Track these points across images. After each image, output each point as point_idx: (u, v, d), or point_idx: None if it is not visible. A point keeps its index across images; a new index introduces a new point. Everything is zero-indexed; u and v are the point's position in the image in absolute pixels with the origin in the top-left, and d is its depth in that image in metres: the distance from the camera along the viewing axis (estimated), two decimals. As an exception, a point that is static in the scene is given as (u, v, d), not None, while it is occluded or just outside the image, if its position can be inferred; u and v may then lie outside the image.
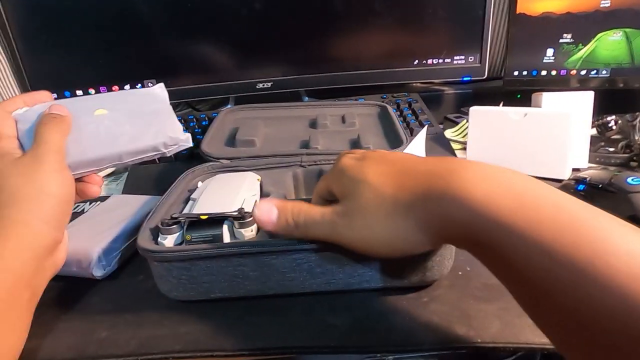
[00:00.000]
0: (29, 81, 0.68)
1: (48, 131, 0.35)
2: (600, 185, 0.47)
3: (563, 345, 0.23)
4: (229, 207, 0.37)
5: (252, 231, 0.36)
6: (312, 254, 0.33)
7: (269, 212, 0.32)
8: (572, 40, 0.68)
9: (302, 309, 0.35)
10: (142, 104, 0.42)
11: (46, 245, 0.32)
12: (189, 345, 0.32)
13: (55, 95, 0.70)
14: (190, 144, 0.42)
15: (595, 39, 0.67)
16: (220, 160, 0.51)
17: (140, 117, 0.41)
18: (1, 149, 0.35)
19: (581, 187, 0.49)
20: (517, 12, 0.70)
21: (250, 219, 0.36)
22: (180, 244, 0.36)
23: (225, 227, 0.35)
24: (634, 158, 0.58)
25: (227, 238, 0.36)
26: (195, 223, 0.36)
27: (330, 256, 0.34)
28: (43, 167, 0.33)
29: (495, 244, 0.24)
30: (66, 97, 0.70)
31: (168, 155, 0.42)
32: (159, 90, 0.44)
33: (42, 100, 0.39)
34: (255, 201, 0.42)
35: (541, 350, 0.31)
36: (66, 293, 0.39)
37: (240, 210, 0.36)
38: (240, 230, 0.35)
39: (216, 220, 0.36)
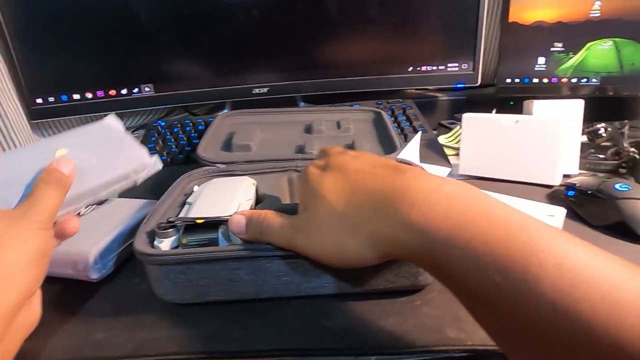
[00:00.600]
0: (26, 85, 0.68)
1: (49, 195, 0.33)
2: (589, 192, 0.48)
3: (509, 349, 0.24)
4: (225, 211, 0.38)
5: (247, 235, 0.36)
6: (307, 258, 0.34)
7: (239, 224, 0.34)
8: (563, 48, 0.70)
9: (296, 312, 0.35)
10: (99, 136, 0.42)
11: (16, 304, 0.29)
12: (184, 347, 0.32)
13: (52, 98, 0.70)
14: (160, 167, 0.43)
15: (586, 47, 0.68)
16: (217, 165, 0.52)
17: (103, 149, 0.41)
18: None
19: (571, 193, 0.50)
20: (510, 21, 0.71)
21: (246, 223, 0.36)
22: (176, 247, 0.36)
23: (220, 231, 0.36)
24: (623, 165, 0.59)
25: (222, 242, 0.36)
26: (191, 227, 0.36)
27: (324, 260, 0.34)
28: (31, 225, 0.31)
29: (437, 262, 0.25)
30: (63, 101, 0.71)
31: (139, 183, 0.42)
32: (113, 121, 0.44)
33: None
34: (251, 205, 0.43)
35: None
36: (62, 295, 0.39)
37: (236, 214, 0.37)
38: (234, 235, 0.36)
39: (212, 224, 0.36)
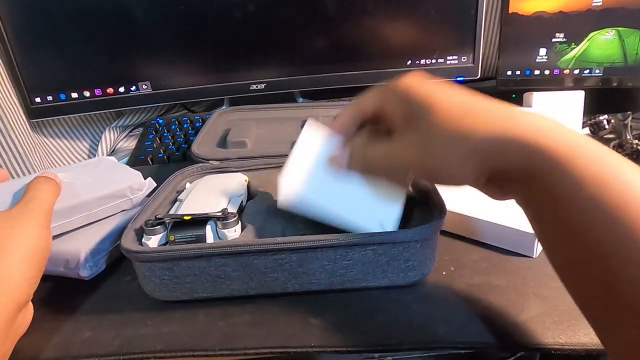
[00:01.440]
0: (24, 85, 0.69)
1: (42, 190, 0.35)
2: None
3: (584, 296, 0.25)
4: (214, 207, 0.38)
5: (235, 231, 0.36)
6: (294, 253, 0.33)
7: (341, 160, 0.35)
8: (564, 39, 0.68)
9: (284, 308, 0.35)
10: (95, 164, 0.46)
11: (18, 306, 0.29)
12: (170, 344, 0.32)
13: (50, 97, 0.70)
14: (153, 185, 0.46)
15: (588, 38, 0.67)
16: (210, 162, 0.52)
17: (98, 171, 0.45)
18: None
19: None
20: (510, 11, 0.69)
21: (234, 219, 0.36)
22: (165, 244, 0.36)
23: (208, 228, 0.36)
24: (626, 157, 0.58)
25: (210, 238, 0.36)
26: (179, 224, 0.36)
27: (311, 256, 0.34)
28: (30, 220, 0.32)
29: (547, 181, 0.25)
30: (61, 100, 0.71)
31: (135, 202, 0.45)
32: (108, 157, 0.50)
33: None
34: (242, 201, 0.42)
35: (521, 349, 0.31)
36: (53, 293, 0.40)
37: (224, 211, 0.36)
38: (223, 230, 0.36)
39: (200, 220, 0.36)
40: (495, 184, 0.29)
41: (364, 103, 0.34)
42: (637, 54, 0.65)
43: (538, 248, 0.40)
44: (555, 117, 0.52)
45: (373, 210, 0.35)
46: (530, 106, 0.59)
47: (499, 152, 0.26)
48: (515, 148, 0.25)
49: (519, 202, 0.29)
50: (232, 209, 0.39)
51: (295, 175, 0.35)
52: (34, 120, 0.72)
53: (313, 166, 0.36)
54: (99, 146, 0.80)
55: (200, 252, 0.33)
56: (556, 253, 0.27)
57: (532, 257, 0.40)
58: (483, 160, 0.27)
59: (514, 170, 0.26)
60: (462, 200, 0.45)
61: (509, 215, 0.41)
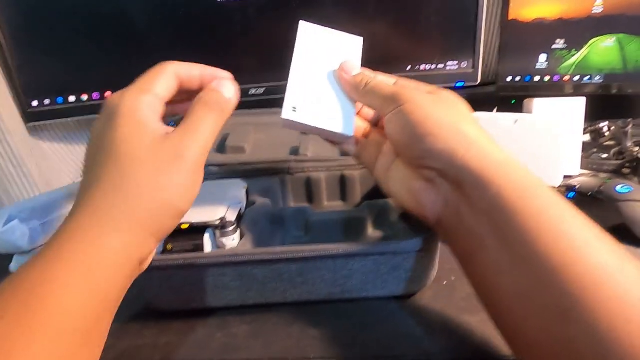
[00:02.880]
0: (21, 88, 0.68)
1: (205, 117, 0.28)
2: (589, 193, 0.46)
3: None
4: (212, 215, 0.37)
5: (233, 240, 0.36)
6: (293, 263, 0.33)
7: (352, 68, 0.36)
8: (565, 46, 0.68)
9: (283, 319, 0.35)
10: None
11: (142, 259, 0.26)
12: (168, 355, 0.32)
13: (47, 101, 0.70)
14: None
15: (588, 44, 0.67)
16: (208, 167, 0.51)
17: None
18: (144, 113, 0.26)
19: (571, 194, 0.49)
20: (510, 18, 0.69)
21: (232, 228, 0.35)
22: (162, 253, 0.36)
23: (206, 237, 0.35)
24: (627, 165, 0.58)
25: (208, 247, 0.35)
26: (177, 232, 0.35)
27: (310, 266, 0.33)
28: (185, 166, 0.26)
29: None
30: (59, 104, 0.71)
31: None
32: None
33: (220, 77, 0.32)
34: (240, 209, 0.42)
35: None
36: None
37: (222, 219, 0.36)
38: (221, 239, 0.35)
39: (198, 229, 0.35)
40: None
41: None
42: (637, 61, 0.65)
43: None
44: (557, 124, 0.52)
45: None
46: (531, 112, 0.59)
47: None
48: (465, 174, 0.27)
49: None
50: (231, 217, 0.38)
51: (299, 88, 0.36)
52: (30, 124, 0.71)
53: (316, 75, 0.37)
54: (97, 150, 0.79)
55: (198, 261, 0.32)
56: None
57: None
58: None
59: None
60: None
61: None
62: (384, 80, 0.35)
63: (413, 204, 0.31)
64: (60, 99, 0.71)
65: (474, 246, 0.27)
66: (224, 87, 0.30)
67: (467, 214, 0.27)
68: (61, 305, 0.21)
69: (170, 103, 0.29)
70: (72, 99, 0.71)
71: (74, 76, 0.70)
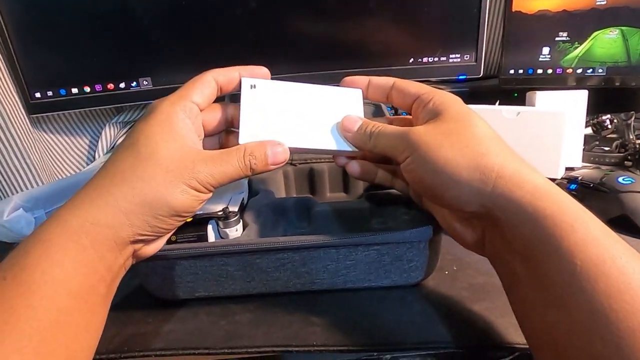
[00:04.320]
0: (24, 79, 0.68)
1: (234, 165, 0.29)
2: (591, 185, 0.47)
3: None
4: (215, 206, 0.37)
5: (236, 231, 0.36)
6: (296, 253, 0.33)
7: (354, 122, 0.33)
8: (568, 38, 0.68)
9: (285, 308, 0.35)
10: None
11: (133, 237, 0.27)
12: (171, 343, 0.32)
13: (50, 93, 0.70)
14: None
15: (592, 37, 0.66)
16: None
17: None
18: (176, 118, 0.28)
19: (573, 186, 0.49)
20: (513, 10, 0.69)
21: (235, 218, 0.36)
22: (166, 243, 0.36)
23: (210, 227, 0.35)
24: (629, 157, 0.58)
25: (212, 237, 0.36)
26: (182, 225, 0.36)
27: (314, 256, 0.34)
28: (192, 185, 0.27)
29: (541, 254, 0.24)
30: (61, 95, 0.71)
31: None
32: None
33: (261, 75, 0.33)
34: (243, 199, 0.42)
35: (523, 350, 0.31)
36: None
37: (225, 209, 0.36)
38: (224, 229, 0.35)
39: (201, 220, 0.36)
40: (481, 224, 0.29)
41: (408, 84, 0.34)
42: (640, 53, 0.65)
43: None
44: (559, 117, 0.52)
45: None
46: (534, 105, 0.59)
47: (506, 208, 0.26)
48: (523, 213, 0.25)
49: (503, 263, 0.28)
50: (234, 208, 0.39)
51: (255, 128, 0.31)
52: (33, 116, 0.71)
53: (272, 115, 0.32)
54: (99, 142, 0.80)
55: (202, 251, 0.33)
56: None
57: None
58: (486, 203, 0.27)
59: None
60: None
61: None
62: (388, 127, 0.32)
63: (453, 233, 0.31)
64: (63, 91, 0.71)
65: (510, 279, 0.27)
66: (276, 154, 0.30)
67: (503, 250, 0.27)
68: (54, 268, 0.24)
69: None
70: (74, 90, 0.71)
71: (76, 68, 0.70)
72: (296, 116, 0.31)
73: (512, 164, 0.27)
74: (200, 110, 0.30)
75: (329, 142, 0.32)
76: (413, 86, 0.33)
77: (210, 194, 0.29)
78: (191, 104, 0.29)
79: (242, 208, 0.41)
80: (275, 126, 0.30)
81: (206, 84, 0.30)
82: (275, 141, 0.30)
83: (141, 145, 0.27)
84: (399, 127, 0.31)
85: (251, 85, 0.31)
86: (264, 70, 0.33)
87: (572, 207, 0.25)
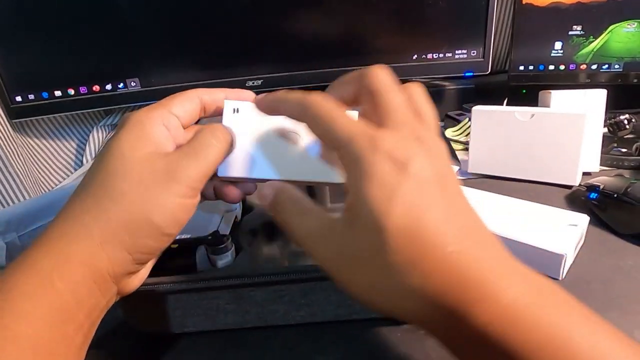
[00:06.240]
0: (3, 82, 0.64)
1: (210, 144, 0.25)
2: (615, 195, 0.43)
3: None
4: (205, 227, 0.34)
5: (228, 257, 0.32)
6: (294, 284, 0.30)
7: (265, 197, 0.25)
8: (582, 32, 0.64)
9: (285, 343, 0.31)
10: None
11: (116, 274, 0.23)
12: (157, 389, 0.29)
13: (32, 96, 0.66)
14: None
15: (608, 30, 0.62)
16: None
17: None
18: (151, 126, 0.24)
19: (593, 195, 0.45)
20: (524, 2, 0.65)
21: (226, 244, 0.32)
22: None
23: (199, 254, 0.32)
24: (650, 160, 0.54)
25: (201, 265, 0.32)
26: (165, 252, 0.32)
27: (314, 286, 0.30)
28: (176, 188, 0.23)
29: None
30: (44, 99, 0.67)
31: None
32: None
33: (246, 99, 0.28)
34: (236, 218, 0.38)
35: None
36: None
37: (215, 234, 0.32)
38: (214, 257, 0.32)
39: (188, 246, 0.32)
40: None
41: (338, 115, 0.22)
42: (660, 47, 0.61)
43: (565, 269, 0.36)
44: (577, 119, 0.48)
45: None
46: (547, 105, 0.55)
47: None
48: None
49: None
50: (225, 228, 0.35)
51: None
52: (15, 121, 0.67)
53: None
54: (87, 146, 0.76)
55: (189, 286, 0.29)
56: None
57: (558, 279, 0.36)
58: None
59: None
60: (484, 216, 0.41)
61: (534, 233, 0.38)
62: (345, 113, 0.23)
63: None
64: (45, 94, 0.67)
65: None
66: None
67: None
68: (20, 322, 0.20)
69: None
70: (58, 93, 0.67)
71: (59, 70, 0.66)
72: (280, 145, 0.27)
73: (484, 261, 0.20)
74: (183, 127, 0.26)
75: (316, 172, 0.27)
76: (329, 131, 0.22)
77: (198, 198, 0.25)
78: (170, 115, 0.25)
79: (235, 226, 0.38)
80: (257, 156, 0.27)
81: (189, 100, 0.26)
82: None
83: (109, 159, 0.23)
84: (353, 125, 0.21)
85: (234, 109, 0.27)
86: (251, 95, 0.28)
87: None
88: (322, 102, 0.23)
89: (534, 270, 0.20)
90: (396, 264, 0.19)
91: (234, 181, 0.27)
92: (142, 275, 0.26)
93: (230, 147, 0.26)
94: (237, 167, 0.26)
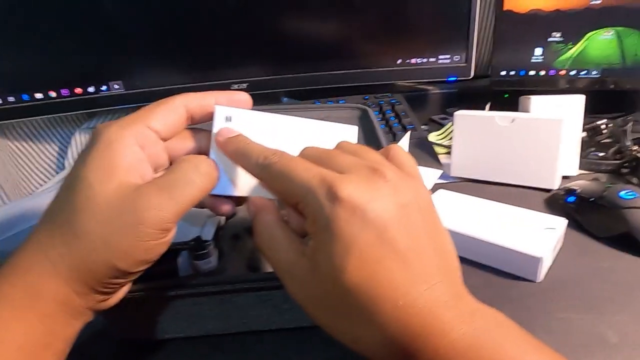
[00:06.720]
0: (-18, 84, 0.63)
1: (192, 180, 0.23)
2: (591, 199, 0.44)
3: None
4: (187, 231, 0.34)
5: (210, 263, 0.32)
6: (277, 290, 0.30)
7: (249, 211, 0.25)
8: (561, 39, 0.65)
9: (269, 348, 0.32)
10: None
11: (83, 307, 0.23)
12: (138, 396, 0.29)
13: (11, 98, 0.65)
14: None
15: (586, 38, 0.64)
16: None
17: None
18: (122, 149, 0.22)
19: (571, 199, 0.46)
20: (504, 9, 0.66)
21: (208, 249, 0.32)
22: (132, 277, 0.32)
23: (180, 260, 0.32)
24: (625, 165, 0.55)
25: (183, 270, 0.32)
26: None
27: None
28: (142, 232, 0.21)
29: None
30: (25, 101, 0.66)
31: None
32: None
33: (241, 103, 0.26)
34: (219, 222, 0.38)
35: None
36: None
37: (197, 239, 0.32)
38: (196, 262, 0.32)
39: (169, 251, 0.32)
40: None
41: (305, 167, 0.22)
42: (636, 54, 0.63)
43: (542, 272, 0.37)
44: (556, 124, 0.49)
45: None
46: (527, 110, 0.56)
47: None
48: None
49: None
50: (208, 233, 0.35)
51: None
52: (-6, 124, 0.66)
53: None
54: (69, 149, 0.75)
55: (171, 292, 0.29)
56: None
57: (535, 281, 0.37)
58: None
59: None
60: (462, 220, 0.42)
61: (512, 236, 0.38)
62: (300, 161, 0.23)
63: None
64: (25, 96, 0.66)
65: None
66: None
67: None
68: None
69: None
70: (39, 96, 0.66)
71: (40, 71, 0.65)
72: None
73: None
74: (163, 141, 0.25)
75: None
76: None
77: (173, 232, 0.24)
78: (146, 130, 0.23)
79: (218, 231, 0.38)
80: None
81: (172, 110, 0.24)
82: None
83: (76, 190, 0.22)
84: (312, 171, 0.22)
85: (226, 117, 0.25)
86: (244, 96, 0.26)
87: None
88: (281, 158, 0.23)
89: (485, 305, 0.21)
90: (354, 315, 0.20)
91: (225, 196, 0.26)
92: (119, 295, 0.25)
93: (215, 182, 0.24)
94: (229, 185, 0.25)
